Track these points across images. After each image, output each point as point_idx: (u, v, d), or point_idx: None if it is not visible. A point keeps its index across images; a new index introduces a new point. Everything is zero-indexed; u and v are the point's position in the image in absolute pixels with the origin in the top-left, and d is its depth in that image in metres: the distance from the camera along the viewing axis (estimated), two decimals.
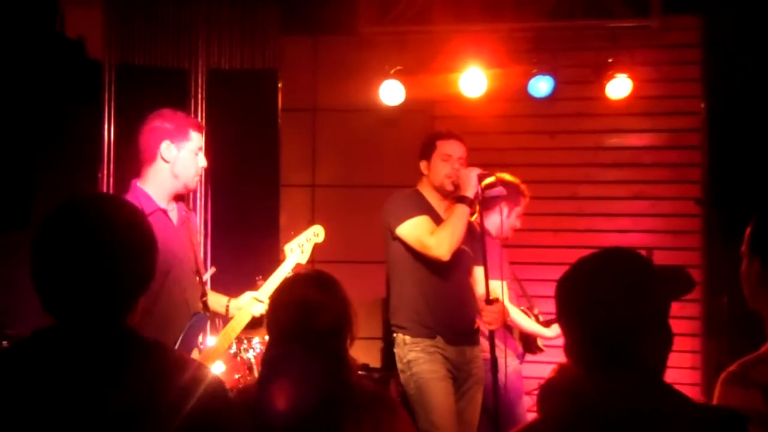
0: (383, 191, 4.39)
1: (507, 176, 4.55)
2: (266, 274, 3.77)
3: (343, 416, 2.25)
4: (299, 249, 3.84)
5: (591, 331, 1.71)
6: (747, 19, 5.42)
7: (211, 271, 3.94)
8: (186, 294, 3.33)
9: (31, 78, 4.86)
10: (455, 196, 4.05)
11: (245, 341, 4.29)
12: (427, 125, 5.77)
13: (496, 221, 4.54)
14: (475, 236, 4.09)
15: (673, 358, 1.76)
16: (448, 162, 4.12)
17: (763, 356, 2.00)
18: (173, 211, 3.37)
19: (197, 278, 3.44)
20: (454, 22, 5.70)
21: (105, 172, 5.70)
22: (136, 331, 1.66)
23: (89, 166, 5.67)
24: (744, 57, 5.46)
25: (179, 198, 3.42)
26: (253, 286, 3.72)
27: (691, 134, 5.94)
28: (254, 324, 3.68)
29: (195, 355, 3.33)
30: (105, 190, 5.59)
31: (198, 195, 5.81)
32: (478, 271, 4.12)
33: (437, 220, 4.08)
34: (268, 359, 2.39)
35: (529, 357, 4.83)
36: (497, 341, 3.83)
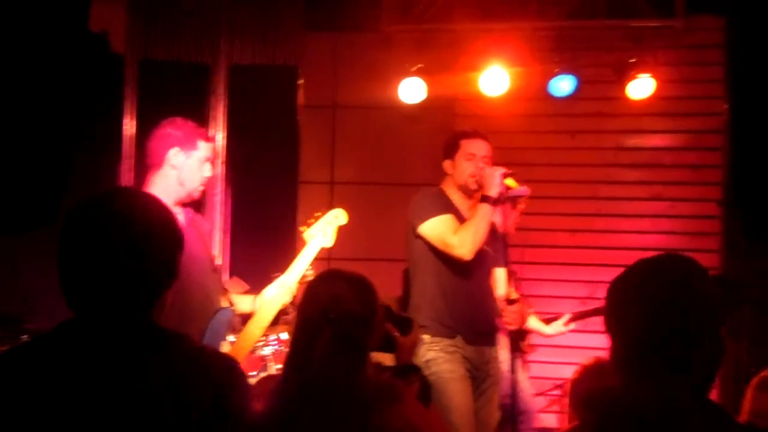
0: (402, 189, 4.39)
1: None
2: (283, 270, 3.70)
3: (358, 407, 2.28)
4: (321, 233, 3.74)
5: (645, 335, 1.69)
6: None
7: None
8: (207, 290, 3.36)
9: (60, 73, 4.89)
10: (479, 196, 4.03)
11: (263, 338, 4.27)
12: (448, 123, 5.76)
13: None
14: (496, 237, 4.08)
15: None
16: (472, 161, 4.06)
17: None
18: (180, 215, 3.38)
19: (216, 275, 3.45)
20: (477, 21, 5.67)
21: (126, 166, 5.73)
22: (161, 326, 1.67)
23: (110, 160, 5.69)
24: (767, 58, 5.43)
25: (184, 205, 3.44)
26: (270, 282, 3.67)
27: (712, 135, 5.91)
28: (272, 322, 3.67)
29: (225, 348, 3.36)
30: (126, 184, 5.60)
31: (217, 190, 5.83)
32: (499, 272, 4.11)
33: (461, 219, 4.04)
34: (294, 342, 2.44)
35: (532, 357, 4.82)
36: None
